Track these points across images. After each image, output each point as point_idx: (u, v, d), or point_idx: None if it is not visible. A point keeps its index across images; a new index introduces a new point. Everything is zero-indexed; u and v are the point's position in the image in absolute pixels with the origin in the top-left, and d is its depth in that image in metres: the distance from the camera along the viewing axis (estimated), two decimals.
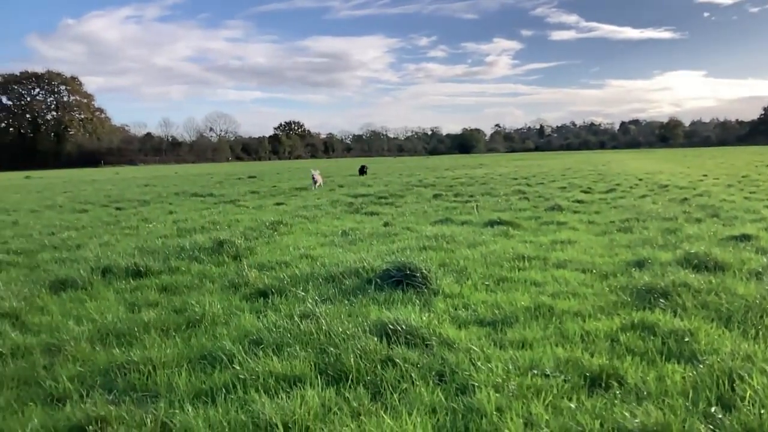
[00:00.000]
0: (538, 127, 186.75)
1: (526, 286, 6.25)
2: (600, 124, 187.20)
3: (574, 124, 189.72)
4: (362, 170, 34.73)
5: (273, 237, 10.32)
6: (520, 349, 4.39)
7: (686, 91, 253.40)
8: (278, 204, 17.15)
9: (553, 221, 11.25)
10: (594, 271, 6.87)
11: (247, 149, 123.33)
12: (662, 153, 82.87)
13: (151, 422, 3.31)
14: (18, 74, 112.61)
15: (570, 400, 3.52)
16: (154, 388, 3.86)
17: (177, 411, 3.46)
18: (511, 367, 4.00)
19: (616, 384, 3.71)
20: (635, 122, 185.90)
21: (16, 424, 3.41)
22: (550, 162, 51.82)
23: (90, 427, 3.28)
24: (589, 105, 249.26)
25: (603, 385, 3.73)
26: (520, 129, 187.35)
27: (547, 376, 3.85)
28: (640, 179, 23.17)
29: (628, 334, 4.57)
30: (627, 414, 3.24)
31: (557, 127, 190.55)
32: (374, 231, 10.71)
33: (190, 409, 3.44)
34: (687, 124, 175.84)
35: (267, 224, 11.78)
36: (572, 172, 30.84)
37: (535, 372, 3.91)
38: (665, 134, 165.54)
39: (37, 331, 5.19)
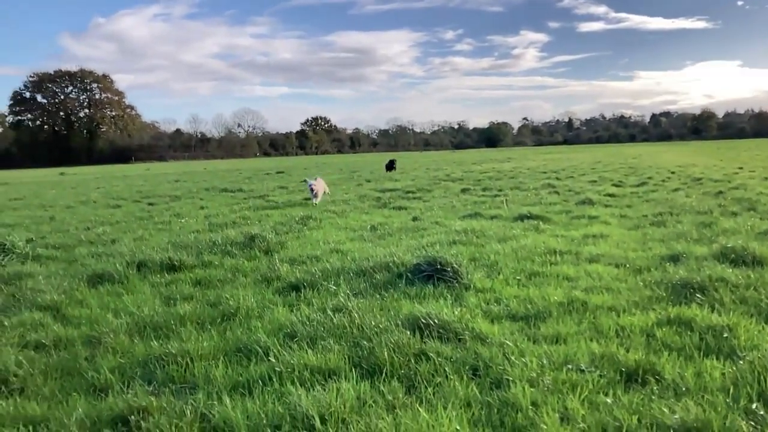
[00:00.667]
0: (566, 120, 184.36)
1: (558, 280, 6.20)
2: (630, 117, 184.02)
3: (603, 117, 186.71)
4: (390, 166, 31.82)
5: (303, 232, 10.40)
6: (554, 343, 4.37)
7: (720, 82, 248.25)
8: (307, 199, 17.25)
9: (584, 215, 11.13)
10: (627, 265, 6.78)
11: (274, 145, 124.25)
12: (695, 145, 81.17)
13: (190, 413, 3.38)
14: (52, 73, 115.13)
15: (606, 395, 3.50)
16: (192, 379, 3.94)
17: (215, 402, 3.52)
18: (545, 361, 3.98)
19: (653, 379, 3.66)
20: (666, 114, 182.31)
21: (62, 413, 3.51)
22: (580, 155, 51.20)
23: (132, 417, 3.36)
24: (619, 97, 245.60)
25: (639, 380, 3.69)
26: (548, 122, 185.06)
27: (582, 371, 3.83)
28: (673, 172, 22.74)
29: (664, 329, 4.51)
30: (665, 410, 3.20)
31: (586, 120, 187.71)
32: (403, 226, 10.72)
33: (228, 401, 3.50)
34: (720, 115, 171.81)
35: (296, 219, 11.87)
36: (602, 166, 30.42)
37: (570, 367, 3.89)
38: (698, 126, 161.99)
39: (78, 323, 5.32)
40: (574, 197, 14.63)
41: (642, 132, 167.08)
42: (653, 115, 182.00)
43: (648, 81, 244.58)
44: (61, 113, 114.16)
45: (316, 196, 15.58)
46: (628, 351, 4.12)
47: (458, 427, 3.13)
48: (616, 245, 8.05)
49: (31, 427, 3.37)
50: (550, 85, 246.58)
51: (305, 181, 15.55)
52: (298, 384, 3.73)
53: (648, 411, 3.25)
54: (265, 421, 3.28)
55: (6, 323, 5.31)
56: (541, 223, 10.22)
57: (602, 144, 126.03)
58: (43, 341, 4.82)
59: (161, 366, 4.16)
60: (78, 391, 3.87)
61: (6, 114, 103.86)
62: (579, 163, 34.11)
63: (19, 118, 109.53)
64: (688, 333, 4.43)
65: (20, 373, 4.05)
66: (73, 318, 5.50)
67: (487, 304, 5.41)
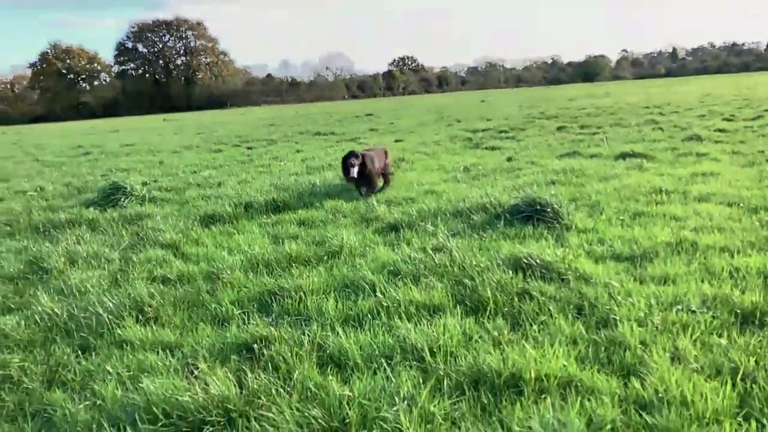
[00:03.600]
0: (670, 50, 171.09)
1: (665, 220, 5.99)
2: (743, 44, 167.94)
3: (712, 45, 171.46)
4: (347, 169, 8.15)
5: (396, 173, 10.52)
6: (662, 284, 4.28)
7: None
8: (397, 141, 17.31)
9: (691, 152, 10.53)
10: (741, 204, 6.43)
11: (362, 87, 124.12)
12: None
13: (308, 343, 3.63)
14: (151, 22, 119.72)
15: (720, 336, 3.42)
16: (305, 312, 4.20)
17: (329, 334, 3.76)
18: (653, 302, 3.92)
19: None
20: None
21: (193, 340, 3.87)
22: (686, 88, 47.76)
23: (255, 345, 3.66)
24: (731, 22, 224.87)
25: (757, 322, 3.57)
26: (650, 53, 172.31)
27: (693, 311, 3.75)
28: None
29: None
30: None
31: (692, 49, 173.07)
32: (497, 166, 10.59)
33: (341, 332, 3.72)
34: None
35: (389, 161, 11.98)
36: (711, 99, 28.30)
37: (680, 307, 3.81)
38: None
39: (196, 260, 5.74)
40: (680, 133, 13.81)
41: (757, 60, 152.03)
42: None
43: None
44: (161, 61, 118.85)
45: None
46: (743, 293, 3.97)
47: (565, 363, 3.18)
48: (728, 183, 7.61)
49: (168, 351, 3.74)
50: (651, 11, 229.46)
51: None
52: (405, 318, 3.90)
53: (767, 353, 3.16)
54: (377, 352, 3.47)
55: (135, 259, 5.82)
56: (644, 161, 9.79)
57: (711, 75, 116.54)
58: (168, 276, 5.26)
59: (276, 300, 4.45)
60: (204, 321, 4.23)
61: (112, 64, 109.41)
62: (685, 97, 31.90)
63: (123, 67, 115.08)
64: None
65: (153, 303, 4.46)
66: (191, 255, 5.94)
67: (590, 244, 5.33)
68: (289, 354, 3.48)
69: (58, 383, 3.53)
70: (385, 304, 4.14)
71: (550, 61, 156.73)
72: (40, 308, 4.52)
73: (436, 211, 6.92)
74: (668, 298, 3.97)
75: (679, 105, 24.99)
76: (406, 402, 2.91)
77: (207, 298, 4.66)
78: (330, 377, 3.23)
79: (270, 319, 4.11)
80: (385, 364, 3.31)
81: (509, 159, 11.46)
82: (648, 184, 7.72)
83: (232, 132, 27.99)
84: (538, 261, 4.66)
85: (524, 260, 4.69)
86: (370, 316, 3.99)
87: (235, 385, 3.18)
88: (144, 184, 10.75)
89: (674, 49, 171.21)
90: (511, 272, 4.54)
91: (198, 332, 4.03)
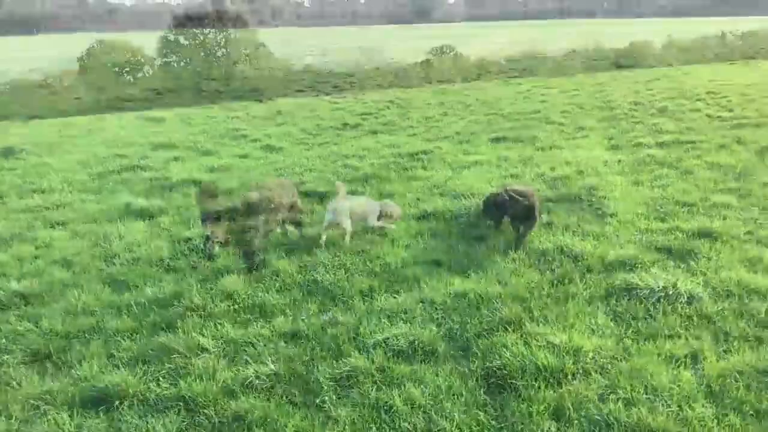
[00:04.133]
0: (719, 33, 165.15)
1: (709, 210, 5.90)
2: None
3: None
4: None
5: (432, 166, 10.51)
6: (713, 273, 4.24)
7: None
8: (429, 140, 17.15)
9: (739, 139, 10.23)
10: None
11: (399, 76, 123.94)
12: None
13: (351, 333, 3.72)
14: (192, 15, 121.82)
15: None
16: (352, 303, 4.30)
17: (367, 327, 3.86)
18: (699, 290, 3.88)
19: None
20: None
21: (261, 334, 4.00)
22: (735, 73, 46.19)
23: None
24: None
25: None
26: (697, 38, 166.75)
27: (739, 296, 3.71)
28: None
29: None
30: None
31: (742, 33, 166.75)
32: (535, 156, 10.45)
33: (386, 322, 3.80)
34: None
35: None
36: (762, 83, 27.25)
37: (728, 296, 3.77)
38: None
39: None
40: (728, 121, 13.37)
41: None
42: None
43: None
44: (201, 53, 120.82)
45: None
46: None
47: (615, 356, 3.17)
48: None
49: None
50: None
51: None
52: (451, 309, 3.95)
53: None
54: (419, 343, 3.54)
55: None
56: (690, 148, 9.56)
57: (763, 60, 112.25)
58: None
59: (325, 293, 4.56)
60: (251, 314, 4.34)
61: (155, 57, 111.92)
62: (734, 82, 30.77)
63: (166, 59, 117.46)
64: None
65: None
66: None
67: (631, 234, 5.29)
68: (329, 342, 3.58)
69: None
70: (427, 293, 4.19)
71: (592, 49, 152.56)
72: None
73: (473, 202, 6.91)
74: (715, 288, 3.93)
75: (728, 90, 24.18)
76: (451, 392, 2.96)
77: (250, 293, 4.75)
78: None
79: (326, 316, 4.17)
80: (429, 355, 3.37)
81: (542, 149, 11.29)
82: (696, 171, 7.57)
83: (270, 123, 28.25)
84: (577, 249, 4.66)
85: (564, 249, 4.70)
86: (412, 308, 4.05)
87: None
88: (194, 179, 10.96)
89: (723, 33, 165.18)
90: (549, 262, 4.54)
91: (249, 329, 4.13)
